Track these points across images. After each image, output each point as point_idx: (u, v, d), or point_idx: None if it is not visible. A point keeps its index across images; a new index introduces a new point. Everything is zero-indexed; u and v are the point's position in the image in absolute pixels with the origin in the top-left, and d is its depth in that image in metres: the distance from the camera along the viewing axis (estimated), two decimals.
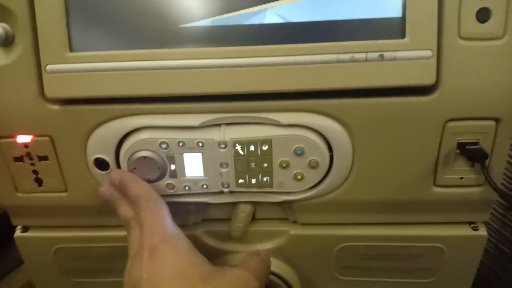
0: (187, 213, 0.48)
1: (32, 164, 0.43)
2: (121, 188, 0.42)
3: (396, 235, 0.48)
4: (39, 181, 0.44)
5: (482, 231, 0.47)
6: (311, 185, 0.44)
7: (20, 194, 0.45)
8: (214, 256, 0.50)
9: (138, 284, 0.34)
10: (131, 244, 0.38)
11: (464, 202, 0.45)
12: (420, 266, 0.50)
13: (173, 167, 0.43)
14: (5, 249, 0.88)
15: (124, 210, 0.41)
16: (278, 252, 0.50)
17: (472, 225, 0.48)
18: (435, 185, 0.44)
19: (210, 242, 0.50)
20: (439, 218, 0.47)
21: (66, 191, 0.45)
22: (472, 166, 0.43)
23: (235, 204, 0.48)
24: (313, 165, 0.42)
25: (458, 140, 0.42)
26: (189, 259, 0.36)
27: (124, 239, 0.49)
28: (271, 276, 0.50)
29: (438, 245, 0.48)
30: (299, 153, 0.42)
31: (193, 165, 0.43)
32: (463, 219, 0.48)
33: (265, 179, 0.44)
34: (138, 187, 0.41)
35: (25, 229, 0.49)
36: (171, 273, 0.34)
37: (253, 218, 0.49)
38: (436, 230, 0.48)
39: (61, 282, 0.52)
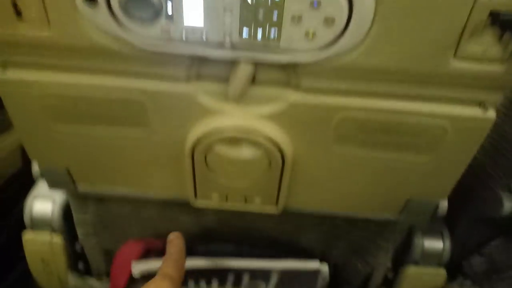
0: (181, 66, 0.43)
1: None
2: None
3: (401, 109, 0.45)
4: (17, 11, 0.38)
5: (491, 113, 0.45)
6: (323, 45, 0.39)
7: None
8: (207, 116, 0.47)
9: None
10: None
11: (481, 78, 0.42)
12: (420, 143, 0.48)
13: (169, 8, 0.37)
14: None
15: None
16: (275, 119, 0.47)
17: (481, 106, 0.45)
18: (455, 57, 0.40)
19: (205, 101, 0.46)
20: (449, 95, 0.44)
21: (48, 26, 0.39)
22: (501, 37, 0.39)
23: (235, 62, 0.43)
24: (329, 22, 0.37)
25: (492, 8, 0.36)
26: None
27: (112, 87, 0.45)
28: (267, 143, 0.47)
29: (442, 123, 0.46)
30: (315, 5, 0.36)
31: (192, 8, 0.37)
32: (473, 98, 0.45)
33: (272, 33, 0.39)
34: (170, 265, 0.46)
35: (4, 68, 0.44)
36: None
37: (253, 81, 0.45)
38: (442, 108, 0.45)
39: (46, 129, 0.49)
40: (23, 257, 0.73)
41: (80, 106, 0.46)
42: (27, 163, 0.57)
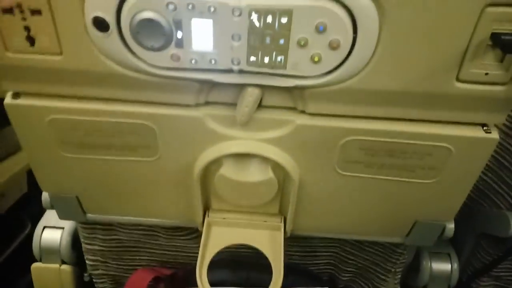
0: (191, 92, 0.43)
1: (24, 19, 0.37)
2: None
3: (405, 131, 0.44)
4: (31, 40, 0.38)
5: (494, 134, 0.44)
6: (328, 69, 0.39)
7: (10, 54, 0.39)
8: (215, 141, 0.46)
9: None
10: None
11: (483, 101, 0.41)
12: (425, 165, 0.47)
13: (180, 34, 0.37)
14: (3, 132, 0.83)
15: None
16: (282, 142, 0.46)
17: (484, 128, 0.44)
18: (458, 80, 0.40)
19: (213, 126, 0.45)
20: (452, 117, 0.44)
21: (61, 53, 0.39)
22: (502, 61, 0.38)
23: (242, 87, 0.43)
24: (334, 46, 0.37)
25: (493, 29, 0.36)
26: None
27: (123, 113, 0.44)
28: (274, 167, 0.47)
29: (446, 145, 0.45)
30: (321, 29, 0.36)
31: (202, 35, 0.37)
32: (477, 120, 0.44)
33: (279, 58, 0.38)
34: None
35: (16, 96, 0.44)
36: None
37: (260, 105, 0.45)
38: (446, 129, 0.44)
39: (56, 157, 0.48)
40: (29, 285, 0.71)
41: (90, 133, 0.46)
42: (33, 187, 0.56)
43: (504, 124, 0.46)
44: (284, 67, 0.39)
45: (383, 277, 0.67)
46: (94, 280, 0.72)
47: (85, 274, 0.72)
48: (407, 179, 0.48)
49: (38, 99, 0.44)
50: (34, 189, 0.58)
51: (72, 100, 0.44)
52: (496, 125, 0.45)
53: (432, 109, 0.43)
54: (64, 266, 0.69)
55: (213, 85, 0.43)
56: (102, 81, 0.42)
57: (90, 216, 0.57)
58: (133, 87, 0.42)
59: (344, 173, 0.48)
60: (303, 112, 0.44)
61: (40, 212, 0.70)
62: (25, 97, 0.44)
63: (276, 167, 0.47)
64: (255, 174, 0.48)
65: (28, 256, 0.69)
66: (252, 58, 0.38)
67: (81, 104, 0.44)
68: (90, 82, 0.42)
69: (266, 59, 0.38)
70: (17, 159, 0.91)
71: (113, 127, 0.45)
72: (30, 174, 0.92)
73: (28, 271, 0.69)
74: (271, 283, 0.49)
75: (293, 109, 0.45)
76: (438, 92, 0.41)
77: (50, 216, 0.69)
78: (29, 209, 0.75)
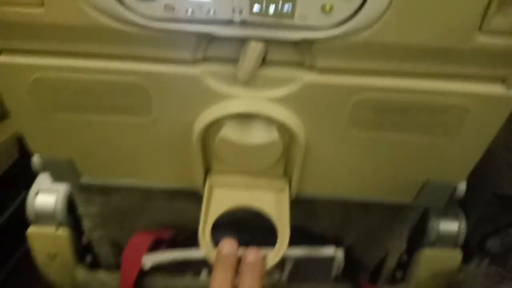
0: (186, 46, 0.39)
1: None
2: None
3: (420, 87, 0.41)
4: None
5: None
6: (340, 19, 0.36)
7: None
8: (215, 101, 0.43)
9: None
10: None
11: (506, 54, 0.38)
12: (440, 123, 0.44)
13: None
14: None
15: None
16: (287, 102, 0.43)
17: (504, 84, 0.41)
18: (480, 30, 0.36)
19: (212, 84, 0.42)
20: (471, 71, 0.40)
21: (42, 5, 0.35)
22: None
23: (244, 41, 0.39)
24: None
25: None
26: None
27: (113, 71, 0.41)
28: (279, 127, 0.44)
29: (463, 101, 0.42)
30: None
31: None
32: (496, 75, 0.41)
33: (286, 7, 0.35)
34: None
35: None
36: None
37: (264, 61, 0.41)
38: (463, 85, 0.41)
39: (45, 118, 0.45)
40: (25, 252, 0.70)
41: (78, 93, 0.42)
42: (24, 154, 0.54)
43: None
44: (292, 17, 0.35)
45: (389, 236, 0.66)
46: (92, 243, 0.71)
47: (83, 238, 0.71)
48: (419, 139, 0.46)
49: (20, 57, 0.40)
50: (26, 156, 0.55)
51: (57, 57, 0.40)
52: None
53: (450, 63, 0.40)
54: (60, 229, 0.68)
55: (211, 39, 0.39)
56: (89, 36, 0.38)
57: (85, 179, 0.55)
58: (122, 41, 0.39)
59: (354, 133, 0.46)
60: (311, 68, 0.41)
61: (34, 179, 0.68)
62: (6, 54, 0.40)
63: (281, 128, 0.44)
64: (259, 136, 0.45)
65: (23, 223, 0.68)
66: (256, 7, 0.35)
67: (66, 62, 0.40)
68: (75, 37, 0.38)
69: (272, 8, 0.35)
70: (5, 125, 0.88)
71: (102, 86, 0.42)
72: (21, 140, 0.90)
73: (24, 239, 0.68)
74: (277, 245, 0.48)
75: (300, 64, 0.42)
76: (458, 45, 0.37)
77: (43, 180, 0.67)
78: (23, 176, 0.73)
